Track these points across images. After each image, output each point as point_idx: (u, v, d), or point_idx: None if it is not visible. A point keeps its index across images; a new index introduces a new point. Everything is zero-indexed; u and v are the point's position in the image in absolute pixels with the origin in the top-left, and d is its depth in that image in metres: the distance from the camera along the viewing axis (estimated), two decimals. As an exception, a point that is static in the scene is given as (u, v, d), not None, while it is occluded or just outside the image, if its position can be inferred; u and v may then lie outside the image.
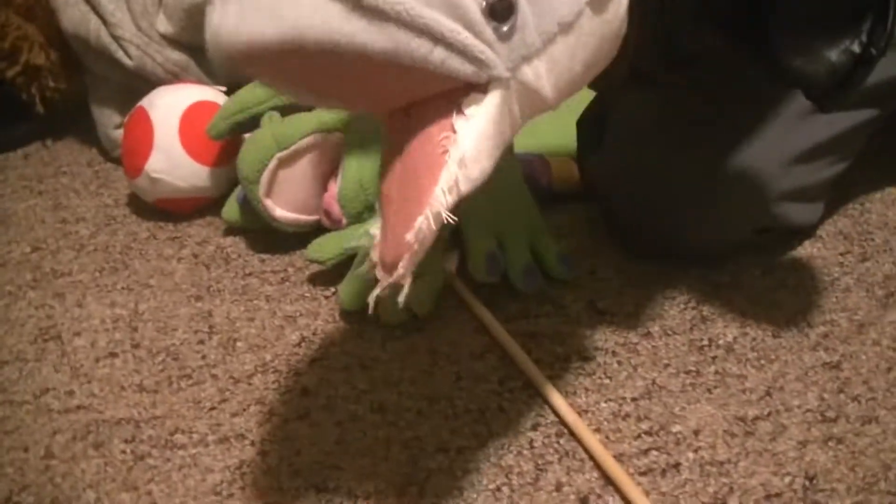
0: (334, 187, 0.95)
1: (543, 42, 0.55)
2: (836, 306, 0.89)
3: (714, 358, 0.84)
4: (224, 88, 1.11)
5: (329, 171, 0.96)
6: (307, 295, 0.95)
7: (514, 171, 0.93)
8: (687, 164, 0.87)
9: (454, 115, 0.54)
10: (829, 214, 0.99)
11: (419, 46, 0.50)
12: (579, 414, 0.79)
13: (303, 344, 0.89)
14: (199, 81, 1.14)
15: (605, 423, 0.79)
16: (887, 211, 1.00)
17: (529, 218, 0.92)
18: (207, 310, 0.95)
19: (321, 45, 0.49)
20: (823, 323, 0.87)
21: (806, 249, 0.95)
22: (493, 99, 0.54)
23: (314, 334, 0.90)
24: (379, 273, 0.57)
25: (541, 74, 0.56)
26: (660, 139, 0.89)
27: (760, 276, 0.92)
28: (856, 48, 0.65)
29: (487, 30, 0.52)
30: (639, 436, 0.78)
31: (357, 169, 0.94)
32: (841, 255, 0.95)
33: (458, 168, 0.54)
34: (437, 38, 0.51)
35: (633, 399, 0.81)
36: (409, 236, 0.54)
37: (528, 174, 0.96)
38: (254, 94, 1.00)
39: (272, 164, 0.94)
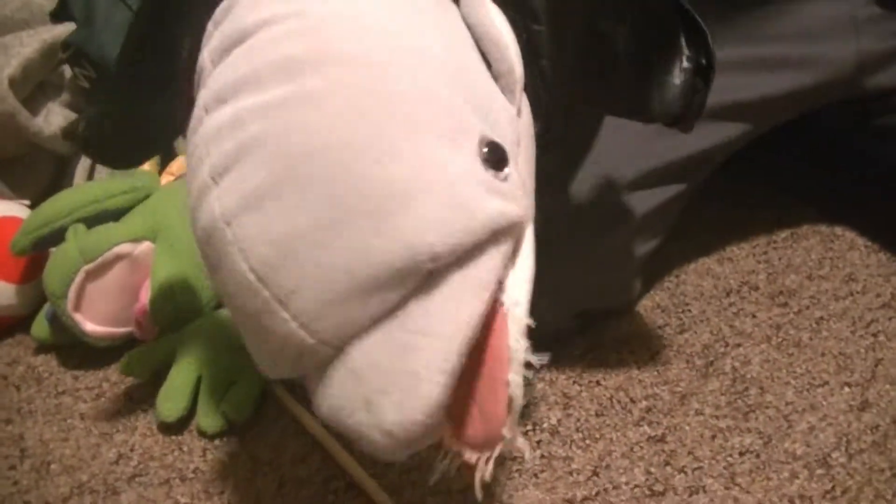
0: (145, 297, 0.92)
1: (516, 162, 0.52)
2: (657, 379, 0.89)
3: (539, 442, 0.84)
4: (28, 202, 1.07)
5: (139, 281, 0.94)
6: (123, 410, 0.92)
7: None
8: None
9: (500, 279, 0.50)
10: (646, 289, 1.00)
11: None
12: (406, 510, 0.77)
13: (120, 461, 0.86)
14: (1, 196, 1.11)
15: (434, 516, 0.77)
16: (701, 281, 1.01)
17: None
18: (18, 433, 0.90)
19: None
20: (646, 397, 0.88)
21: (625, 326, 0.96)
22: (528, 237, 0.52)
23: (132, 450, 0.87)
24: (471, 456, 0.50)
25: (528, 194, 0.53)
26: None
27: (581, 355, 0.92)
28: (686, 63, 0.67)
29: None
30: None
31: (167, 277, 0.92)
32: (659, 328, 0.96)
33: (520, 311, 0.50)
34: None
35: (460, 491, 0.79)
36: (505, 400, 0.48)
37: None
38: (57, 206, 0.97)
39: (79, 277, 0.91)
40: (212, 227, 0.49)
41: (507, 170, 0.50)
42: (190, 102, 0.56)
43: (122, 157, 0.81)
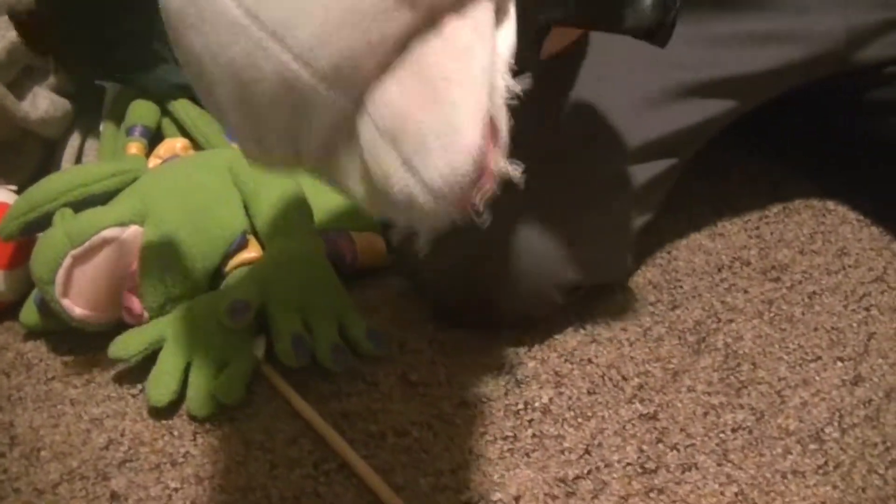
0: (133, 281, 0.91)
1: None
2: (649, 357, 0.89)
3: (531, 421, 0.83)
4: (14, 188, 1.07)
5: (127, 265, 0.93)
6: (114, 395, 0.91)
7: (317, 251, 0.91)
8: (495, 230, 0.87)
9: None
10: (638, 265, 1.00)
11: None
12: (397, 492, 0.77)
13: (110, 447, 0.86)
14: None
15: (424, 498, 0.77)
16: (693, 257, 1.01)
17: (335, 296, 0.91)
18: (8, 420, 0.90)
19: None
20: (638, 375, 0.87)
21: (617, 302, 0.96)
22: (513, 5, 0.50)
23: (122, 435, 0.87)
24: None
25: None
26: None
27: (573, 332, 0.92)
28: None
29: None
30: (459, 508, 0.76)
31: (155, 261, 0.92)
32: (651, 304, 0.95)
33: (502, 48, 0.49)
34: None
35: (452, 471, 0.79)
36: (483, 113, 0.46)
37: (331, 252, 0.95)
38: (44, 191, 0.97)
39: (67, 262, 0.91)
40: None
41: None
42: None
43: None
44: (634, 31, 0.70)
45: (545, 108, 0.87)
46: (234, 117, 0.48)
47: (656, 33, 0.70)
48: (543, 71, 0.68)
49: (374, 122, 0.45)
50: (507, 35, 0.50)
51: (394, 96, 0.44)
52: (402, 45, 0.44)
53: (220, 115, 0.50)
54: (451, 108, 0.44)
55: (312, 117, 0.46)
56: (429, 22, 0.45)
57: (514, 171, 0.48)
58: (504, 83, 0.47)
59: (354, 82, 0.44)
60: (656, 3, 0.68)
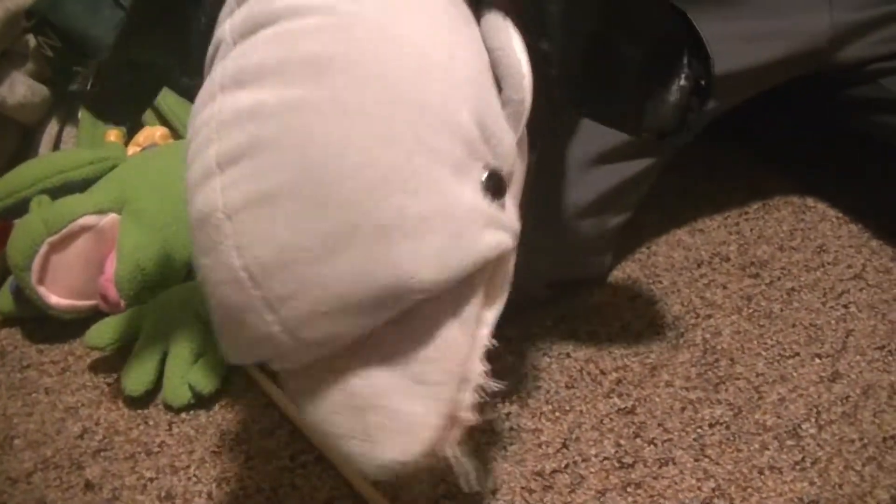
0: (111, 269, 0.91)
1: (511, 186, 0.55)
2: (627, 351, 0.89)
3: (508, 414, 0.83)
4: (-9, 174, 1.05)
5: (104, 253, 0.92)
6: (89, 384, 0.91)
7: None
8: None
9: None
10: (618, 260, 1.00)
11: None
12: (374, 485, 0.76)
13: (85, 436, 0.85)
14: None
15: (401, 491, 0.77)
16: (673, 253, 1.01)
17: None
18: (-18, 408, 0.89)
19: None
20: (616, 369, 0.87)
21: (596, 297, 0.95)
22: (511, 264, 0.56)
23: (97, 424, 0.86)
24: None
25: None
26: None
27: (552, 326, 0.92)
28: (684, 82, 0.66)
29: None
30: (436, 501, 0.75)
31: (133, 249, 0.91)
32: (630, 299, 0.95)
33: (484, 333, 0.55)
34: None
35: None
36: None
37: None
38: (21, 177, 0.96)
39: (43, 249, 0.90)
40: (209, 214, 0.49)
41: (504, 198, 0.53)
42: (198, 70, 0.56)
43: (123, 111, 0.81)
44: (652, 133, 0.69)
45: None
46: (220, 329, 0.52)
47: (673, 135, 0.69)
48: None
49: (348, 387, 0.50)
50: (497, 308, 0.56)
51: (374, 378, 0.49)
52: (386, 329, 0.49)
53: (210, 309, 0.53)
54: (421, 406, 0.49)
55: (283, 359, 0.51)
56: (419, 307, 0.49)
57: (466, 466, 0.54)
58: (479, 375, 0.53)
59: (330, 352, 0.49)
60: (677, 108, 0.67)
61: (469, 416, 0.52)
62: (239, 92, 0.50)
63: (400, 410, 0.48)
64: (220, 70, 0.52)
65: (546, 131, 0.63)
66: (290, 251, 0.47)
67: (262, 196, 0.47)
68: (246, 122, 0.48)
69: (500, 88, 0.55)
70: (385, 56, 0.49)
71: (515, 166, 0.55)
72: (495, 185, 0.51)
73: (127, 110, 0.81)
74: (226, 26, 0.54)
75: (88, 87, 0.74)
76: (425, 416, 0.49)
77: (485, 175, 0.51)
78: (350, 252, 0.46)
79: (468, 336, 0.52)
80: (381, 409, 0.48)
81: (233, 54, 0.52)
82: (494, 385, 0.53)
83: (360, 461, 0.50)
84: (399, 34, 0.51)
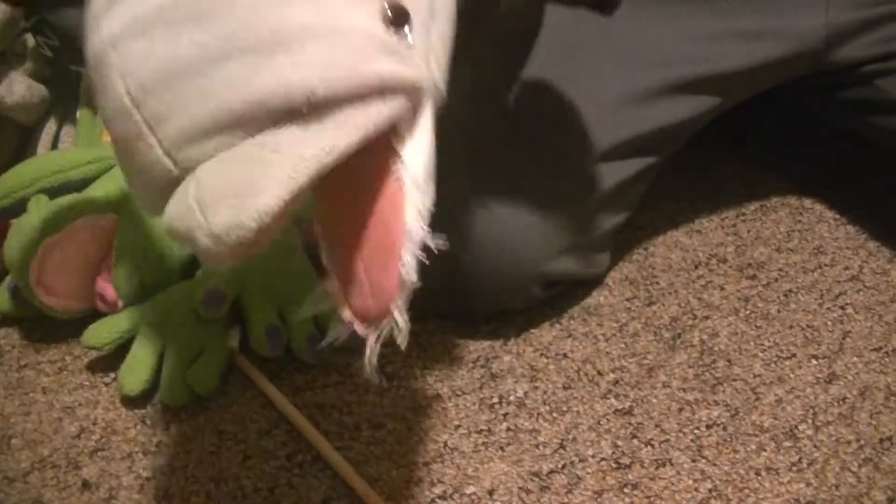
0: (108, 270, 0.91)
1: (427, 34, 0.51)
2: (625, 352, 0.89)
3: (505, 415, 0.83)
4: (-12, 174, 1.05)
5: (102, 253, 0.92)
6: (86, 383, 0.91)
7: (292, 241, 0.91)
8: (472, 222, 0.87)
9: (394, 145, 0.50)
10: (615, 261, 1.00)
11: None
12: (371, 484, 0.77)
13: (82, 435, 0.85)
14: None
15: (398, 491, 0.77)
16: (670, 254, 1.01)
17: (310, 287, 0.90)
18: (-21, 408, 0.89)
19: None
20: (613, 370, 0.87)
21: (593, 297, 0.96)
22: (426, 111, 0.51)
23: (94, 424, 0.86)
24: (361, 329, 0.52)
25: (434, 69, 0.51)
26: (445, 197, 0.87)
27: (549, 327, 0.92)
28: None
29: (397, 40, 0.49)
30: (433, 501, 0.76)
31: (131, 250, 0.91)
32: (627, 300, 0.95)
33: (418, 192, 0.50)
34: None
35: (426, 464, 0.79)
36: (397, 275, 0.50)
37: (307, 242, 0.94)
38: (19, 177, 0.96)
39: (41, 249, 0.90)
40: (99, 49, 0.48)
41: (409, 34, 0.49)
42: None
43: None
44: (586, 4, 0.70)
45: (506, 91, 0.87)
46: (126, 175, 0.51)
47: (604, 3, 0.69)
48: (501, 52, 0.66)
49: (196, 182, 0.46)
50: (419, 150, 0.51)
51: (226, 155, 0.46)
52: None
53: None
54: (265, 175, 0.45)
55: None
56: (305, 118, 0.46)
57: (402, 326, 0.51)
58: (420, 232, 0.50)
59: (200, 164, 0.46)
60: None
61: (412, 280, 0.50)
62: None
63: (240, 178, 0.45)
64: None
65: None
66: (169, 68, 0.46)
67: (141, 19, 0.46)
68: None
69: None
70: None
71: (439, 14, 0.53)
72: (396, 17, 0.49)
73: None
74: None
75: None
76: (268, 182, 0.45)
77: (387, 10, 0.48)
78: (227, 64, 0.45)
79: (352, 138, 0.47)
80: (216, 173, 0.46)
81: None
82: (439, 242, 0.51)
83: (195, 239, 0.46)
84: None
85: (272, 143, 0.45)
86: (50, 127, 1.14)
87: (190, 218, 0.45)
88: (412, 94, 0.50)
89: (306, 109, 0.45)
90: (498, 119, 0.87)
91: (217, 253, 0.45)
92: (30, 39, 1.12)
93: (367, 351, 0.52)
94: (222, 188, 0.45)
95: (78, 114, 1.13)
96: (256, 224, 0.44)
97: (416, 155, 0.51)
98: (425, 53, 0.51)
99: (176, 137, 0.46)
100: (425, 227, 0.51)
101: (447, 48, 0.54)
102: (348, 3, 0.48)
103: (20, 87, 1.10)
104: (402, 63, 0.48)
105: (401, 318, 0.52)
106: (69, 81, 1.15)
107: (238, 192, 0.44)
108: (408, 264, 0.50)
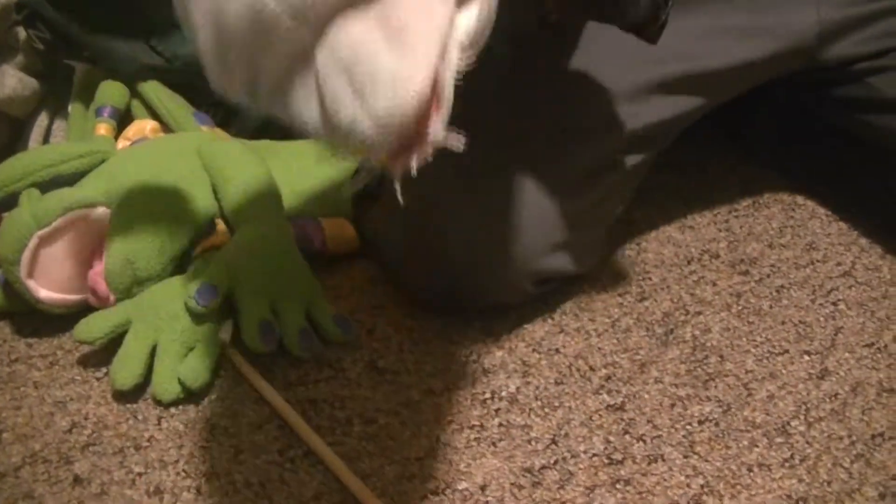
0: (100, 264, 0.91)
1: None
2: (617, 347, 0.89)
3: (497, 410, 0.83)
4: (-20, 168, 1.05)
5: (94, 247, 0.92)
6: (78, 378, 0.90)
7: (285, 236, 0.91)
8: (467, 219, 0.87)
9: None
10: (608, 256, 1.00)
11: None
12: (363, 479, 0.77)
13: (74, 430, 0.85)
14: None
15: (391, 486, 0.77)
16: (662, 249, 1.01)
17: (302, 282, 0.90)
18: (-30, 402, 0.89)
19: None
20: (605, 365, 0.87)
21: (585, 292, 0.95)
22: None
23: (86, 419, 0.86)
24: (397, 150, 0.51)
25: None
26: (441, 193, 0.87)
27: (541, 322, 0.92)
28: None
29: None
30: (425, 496, 0.76)
31: (123, 243, 0.91)
32: (620, 295, 0.95)
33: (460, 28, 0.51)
34: None
35: (418, 459, 0.79)
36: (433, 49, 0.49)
37: (300, 238, 0.94)
38: (10, 170, 0.96)
39: (32, 243, 0.90)
40: None
41: None
42: None
43: None
44: (629, 26, 0.72)
45: (527, 90, 0.87)
46: (202, 34, 0.50)
47: (648, 29, 0.72)
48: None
49: (332, 52, 0.47)
50: (469, 17, 0.51)
51: (355, 33, 0.47)
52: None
53: (192, 33, 0.52)
54: (405, 52, 0.47)
55: (275, 43, 0.48)
56: None
57: (455, 141, 0.50)
58: (456, 58, 0.50)
59: (318, 14, 0.47)
60: (648, 3, 0.70)
61: (450, 97, 0.50)
62: None
63: (385, 60, 0.47)
64: None
65: None
66: None
67: None
68: None
69: None
70: None
71: None
72: None
73: None
74: None
75: None
76: (413, 66, 0.47)
77: None
78: None
79: (445, 13, 0.49)
80: (366, 60, 0.47)
81: None
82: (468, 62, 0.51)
83: (356, 127, 0.48)
84: None
85: (396, 20, 0.47)
86: (41, 120, 1.14)
87: (347, 106, 0.47)
88: None
89: None
90: (491, 117, 0.87)
91: (381, 135, 0.47)
92: (21, 33, 1.11)
93: (399, 165, 0.51)
94: (371, 71, 0.47)
95: (70, 107, 1.13)
96: (417, 102, 0.46)
97: (467, 18, 0.51)
98: None
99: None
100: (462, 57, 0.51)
101: None
102: None
103: (11, 81, 1.09)
104: None
105: (445, 132, 0.51)
106: (61, 75, 1.15)
107: (391, 74, 0.46)
108: (447, 83, 0.50)
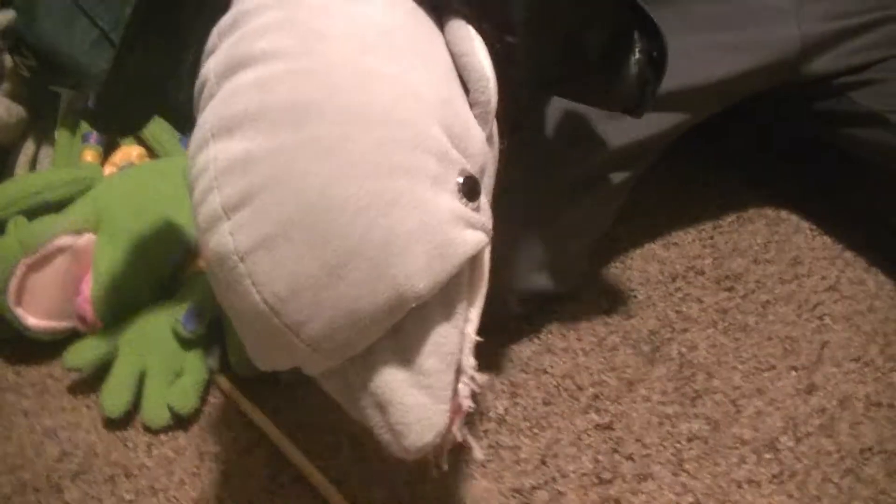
0: (87, 289, 0.91)
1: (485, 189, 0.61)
2: (604, 366, 0.89)
3: (486, 431, 0.83)
4: (-34, 196, 1.05)
5: (81, 273, 0.92)
6: (68, 406, 0.90)
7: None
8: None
9: None
10: (593, 274, 1.00)
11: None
12: (352, 502, 0.77)
13: (64, 459, 0.85)
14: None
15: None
16: (647, 266, 1.01)
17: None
18: (-40, 431, 0.89)
19: None
20: (593, 384, 0.88)
21: (571, 311, 0.96)
22: (486, 256, 0.61)
23: (76, 447, 0.86)
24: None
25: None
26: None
27: (528, 342, 0.92)
28: (639, 55, 0.73)
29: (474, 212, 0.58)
30: (416, 517, 0.75)
31: (109, 268, 0.91)
32: (606, 314, 0.96)
33: (470, 329, 0.60)
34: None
35: (407, 483, 0.79)
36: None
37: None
38: (-4, 199, 0.96)
39: (19, 270, 0.90)
40: (224, 257, 0.55)
41: (479, 199, 0.58)
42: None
43: (126, 125, 0.89)
44: (621, 108, 0.77)
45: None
46: (251, 346, 0.59)
47: (637, 108, 0.76)
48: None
49: (368, 387, 0.57)
50: (479, 302, 0.61)
51: (386, 375, 0.56)
52: (391, 330, 0.55)
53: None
54: (427, 397, 0.56)
55: (311, 366, 0.58)
56: (415, 310, 0.55)
57: (472, 445, 0.62)
58: (471, 366, 0.59)
59: (350, 356, 0.56)
60: (637, 81, 0.74)
61: (469, 403, 0.59)
62: (229, 140, 0.55)
63: (412, 404, 0.56)
64: (208, 115, 0.57)
65: (512, 123, 0.69)
66: (300, 281, 0.53)
67: (266, 237, 0.53)
68: (242, 170, 0.54)
69: (467, 91, 0.61)
70: (357, 94, 0.55)
71: (487, 160, 0.61)
72: (470, 189, 0.57)
73: (130, 124, 0.87)
74: (210, 64, 0.59)
75: (91, 105, 0.79)
76: (433, 407, 0.56)
77: (460, 180, 0.57)
78: (351, 275, 0.53)
79: (457, 330, 0.58)
80: (397, 404, 0.56)
81: (218, 96, 0.57)
82: (484, 377, 0.60)
83: (390, 448, 0.57)
84: (367, 69, 0.56)
85: (419, 370, 0.56)
86: (28, 147, 1.14)
87: (382, 432, 0.57)
88: (483, 249, 0.59)
89: (416, 304, 0.54)
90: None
91: (407, 457, 0.57)
92: (7, 60, 1.12)
93: (435, 468, 0.62)
94: (403, 414, 0.56)
95: (56, 134, 1.13)
96: (436, 438, 0.56)
97: (477, 309, 0.61)
98: (487, 206, 0.60)
99: (317, 336, 0.54)
100: (474, 361, 0.60)
101: (492, 187, 0.63)
102: (435, 187, 0.55)
103: (-2, 108, 1.09)
104: (477, 230, 0.57)
105: (464, 435, 0.60)
106: (47, 102, 1.15)
107: (419, 419, 0.56)
108: (462, 393, 0.59)
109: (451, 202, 0.56)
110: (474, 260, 0.59)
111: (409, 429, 0.56)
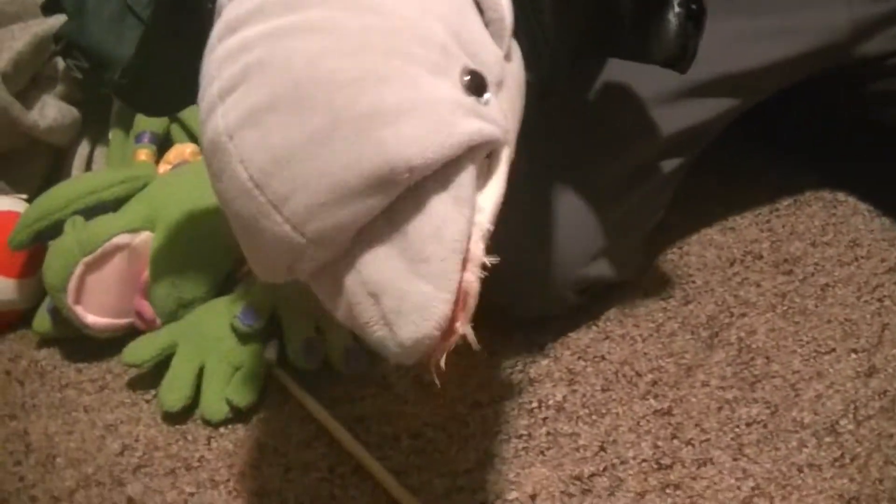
0: (145, 287, 0.92)
1: (496, 97, 0.57)
2: (662, 352, 0.89)
3: (545, 419, 0.83)
4: (25, 196, 1.07)
5: (138, 271, 0.93)
6: (127, 401, 0.91)
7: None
8: (506, 230, 0.87)
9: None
10: (649, 261, 0.99)
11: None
12: (413, 493, 0.77)
13: (125, 452, 0.86)
14: (-1, 191, 1.10)
15: (440, 499, 0.77)
16: (705, 252, 1.00)
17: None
18: (23, 428, 0.90)
19: None
20: (651, 370, 0.87)
21: (629, 298, 0.95)
22: (503, 158, 0.57)
23: (136, 441, 0.87)
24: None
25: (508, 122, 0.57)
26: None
27: (585, 329, 0.92)
28: (678, 9, 0.72)
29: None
30: (447, 494, 0.75)
31: (167, 267, 0.92)
32: (663, 300, 0.95)
33: (487, 223, 0.55)
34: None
35: (467, 471, 0.79)
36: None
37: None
38: (54, 199, 0.97)
39: (78, 269, 0.91)
40: (216, 139, 0.53)
41: (486, 96, 0.55)
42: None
43: (157, 105, 0.89)
44: (660, 60, 0.74)
45: (559, 101, 0.88)
46: (247, 249, 0.56)
47: (679, 62, 0.74)
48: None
49: (361, 276, 0.52)
50: (492, 192, 0.56)
51: (380, 262, 0.52)
52: (387, 216, 0.51)
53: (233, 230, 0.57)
54: (427, 284, 0.51)
55: (304, 261, 0.53)
56: (412, 193, 0.51)
57: (472, 339, 0.55)
58: (481, 254, 0.54)
59: (340, 244, 0.52)
60: (677, 34, 0.72)
61: (475, 296, 0.54)
62: (231, 36, 0.55)
63: (409, 290, 0.51)
64: (217, 26, 0.57)
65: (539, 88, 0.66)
66: (284, 152, 0.51)
67: (253, 112, 0.51)
68: (237, 55, 0.53)
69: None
70: None
71: (507, 81, 0.58)
72: (476, 85, 0.54)
73: (162, 104, 0.88)
74: None
75: (118, 77, 0.80)
76: (434, 294, 0.51)
77: (466, 77, 0.54)
78: (335, 144, 0.50)
79: (464, 216, 0.53)
80: (391, 291, 0.51)
81: (226, 10, 0.57)
82: (494, 259, 0.55)
83: (384, 347, 0.53)
84: None
85: (413, 251, 0.51)
86: (83, 148, 1.15)
87: (376, 328, 0.52)
88: (495, 146, 0.55)
89: (408, 176, 0.50)
90: (526, 130, 0.87)
91: (406, 356, 0.53)
92: (60, 63, 1.13)
93: (432, 365, 0.55)
94: (398, 302, 0.51)
95: (110, 134, 1.14)
96: (437, 331, 0.51)
97: (489, 198, 0.56)
98: (501, 112, 0.56)
99: (301, 213, 0.51)
100: (483, 248, 0.55)
101: (517, 111, 0.60)
102: (433, 73, 0.52)
103: (52, 111, 1.11)
104: (484, 121, 0.53)
105: (467, 331, 0.55)
106: (100, 103, 1.16)
107: (416, 307, 0.51)
108: (470, 281, 0.53)
109: (452, 90, 0.53)
110: (485, 150, 0.55)
111: (405, 318, 0.51)
